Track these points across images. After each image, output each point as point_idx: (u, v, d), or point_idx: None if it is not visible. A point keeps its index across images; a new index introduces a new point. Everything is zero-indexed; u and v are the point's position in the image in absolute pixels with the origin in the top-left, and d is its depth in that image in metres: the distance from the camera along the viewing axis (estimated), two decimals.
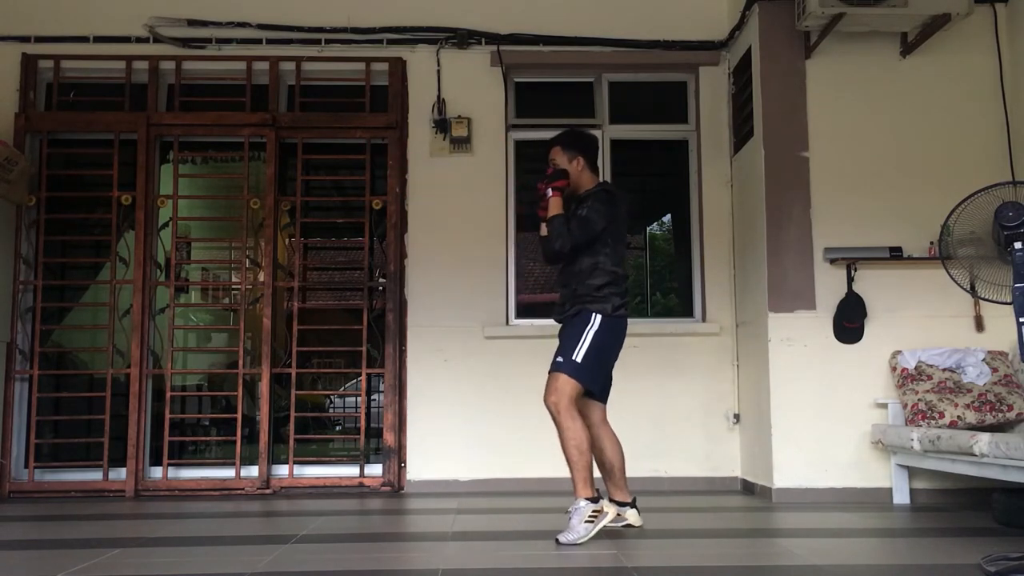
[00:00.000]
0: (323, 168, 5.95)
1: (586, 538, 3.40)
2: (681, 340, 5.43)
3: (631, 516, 3.81)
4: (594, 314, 3.62)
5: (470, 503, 4.71)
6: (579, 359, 3.58)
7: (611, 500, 3.82)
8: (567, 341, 3.64)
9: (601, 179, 3.94)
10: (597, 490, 3.54)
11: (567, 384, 3.56)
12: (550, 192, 3.72)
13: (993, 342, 4.78)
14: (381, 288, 5.55)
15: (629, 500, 3.84)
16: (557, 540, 3.40)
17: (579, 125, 5.65)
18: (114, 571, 3.00)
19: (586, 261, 3.68)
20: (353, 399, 6.37)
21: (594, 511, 3.46)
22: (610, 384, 3.84)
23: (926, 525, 4.01)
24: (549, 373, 3.62)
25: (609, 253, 3.68)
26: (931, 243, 4.70)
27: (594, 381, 3.67)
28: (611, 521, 3.64)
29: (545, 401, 3.60)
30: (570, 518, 3.45)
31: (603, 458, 3.80)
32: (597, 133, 5.68)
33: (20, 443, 5.30)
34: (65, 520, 4.35)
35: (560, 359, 3.61)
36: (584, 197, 3.75)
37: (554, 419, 3.58)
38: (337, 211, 6.07)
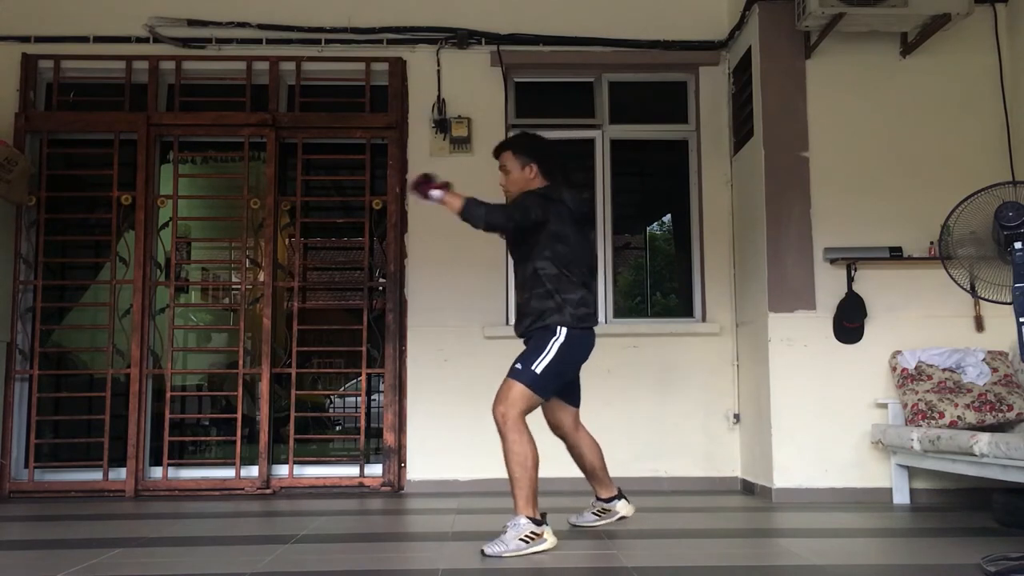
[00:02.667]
0: (323, 168, 5.96)
1: (514, 554, 3.17)
2: (681, 340, 5.42)
3: (622, 508, 3.79)
4: (559, 327, 3.45)
5: (470, 503, 4.71)
6: (539, 370, 3.40)
7: (598, 498, 3.81)
8: (531, 350, 3.47)
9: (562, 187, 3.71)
10: (543, 514, 3.34)
11: (521, 396, 3.38)
12: (438, 194, 3.49)
13: (993, 342, 4.78)
14: (381, 288, 5.55)
15: (615, 493, 3.81)
16: (482, 550, 3.19)
17: (579, 125, 5.69)
18: (114, 571, 3.00)
19: (528, 267, 3.54)
20: (353, 399, 6.38)
21: (533, 532, 3.24)
22: (578, 388, 3.77)
23: (926, 525, 4.01)
24: (505, 379, 3.45)
25: (550, 257, 3.49)
26: (931, 243, 4.70)
27: (548, 393, 3.50)
28: (602, 519, 3.66)
29: (493, 410, 3.40)
30: (506, 531, 3.24)
31: (584, 463, 3.77)
32: (597, 133, 5.69)
33: (20, 443, 5.30)
34: (65, 520, 4.35)
35: (519, 366, 3.43)
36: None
37: (500, 430, 3.38)
38: (337, 211, 6.08)
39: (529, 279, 3.54)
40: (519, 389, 3.40)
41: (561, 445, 3.79)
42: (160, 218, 5.55)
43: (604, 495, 3.82)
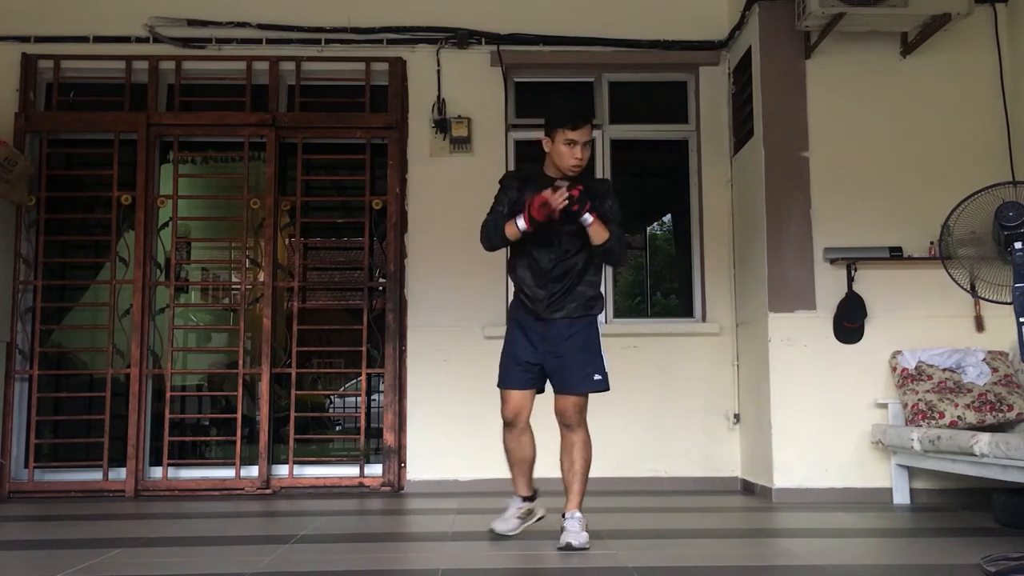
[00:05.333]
0: (323, 168, 5.96)
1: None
2: (681, 340, 5.42)
3: (540, 508, 3.68)
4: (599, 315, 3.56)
5: (470, 503, 4.71)
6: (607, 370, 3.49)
7: (525, 498, 3.63)
8: (593, 350, 3.51)
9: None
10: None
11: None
12: (590, 219, 3.36)
13: (993, 342, 4.78)
14: (381, 288, 5.55)
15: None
16: (571, 543, 3.29)
17: None
18: (114, 571, 3.00)
19: (583, 256, 3.50)
20: (353, 399, 6.38)
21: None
22: (545, 376, 3.53)
23: (926, 525, 4.01)
24: (581, 393, 3.50)
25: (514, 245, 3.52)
26: (931, 243, 4.69)
27: (500, 379, 3.53)
28: (526, 522, 3.57)
29: (578, 427, 3.48)
30: (574, 527, 3.37)
31: (533, 452, 3.62)
32: (597, 133, 5.68)
33: (20, 443, 5.29)
34: (65, 520, 4.35)
35: (599, 377, 3.50)
36: (604, 191, 3.55)
37: (582, 435, 3.49)
38: (337, 211, 6.08)
39: (583, 267, 3.47)
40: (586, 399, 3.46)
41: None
42: (160, 218, 5.55)
43: (530, 492, 3.64)
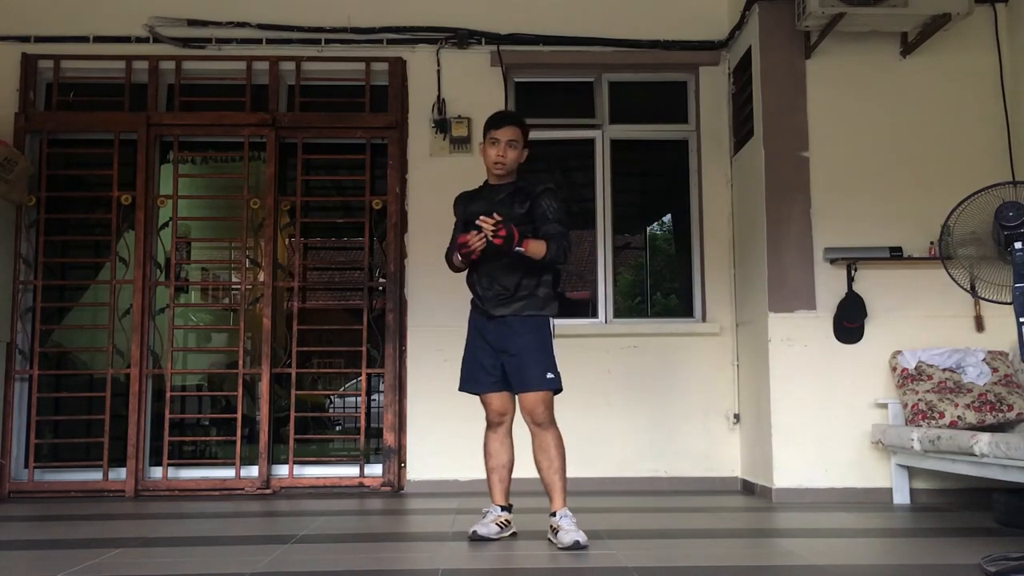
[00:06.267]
0: (323, 168, 5.95)
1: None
2: (681, 340, 5.42)
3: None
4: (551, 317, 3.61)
5: (470, 503, 4.70)
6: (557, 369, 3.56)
7: (504, 506, 3.66)
8: (541, 350, 3.57)
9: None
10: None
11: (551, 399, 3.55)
12: (521, 250, 3.40)
13: (993, 342, 4.78)
14: (381, 288, 5.55)
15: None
16: (578, 542, 3.30)
17: (579, 125, 5.69)
18: (114, 571, 3.00)
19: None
20: (353, 399, 6.37)
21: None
22: (507, 376, 3.55)
23: (926, 525, 4.01)
24: (533, 391, 3.51)
25: None
26: (931, 243, 4.70)
27: (462, 380, 3.63)
28: (505, 531, 3.57)
29: (542, 424, 3.52)
30: (562, 526, 3.40)
31: (511, 457, 3.67)
32: (597, 133, 5.69)
33: (20, 443, 5.30)
34: (65, 520, 4.35)
35: (552, 376, 3.55)
36: (538, 192, 3.58)
37: (546, 436, 3.53)
38: (337, 211, 6.08)
39: (530, 265, 3.51)
40: (550, 397, 3.52)
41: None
42: (160, 218, 5.55)
43: (507, 503, 3.67)
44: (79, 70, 5.60)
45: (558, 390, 3.54)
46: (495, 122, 3.61)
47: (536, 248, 3.44)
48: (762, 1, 4.99)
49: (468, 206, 3.66)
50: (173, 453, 5.50)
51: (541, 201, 3.56)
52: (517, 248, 3.39)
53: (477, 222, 3.36)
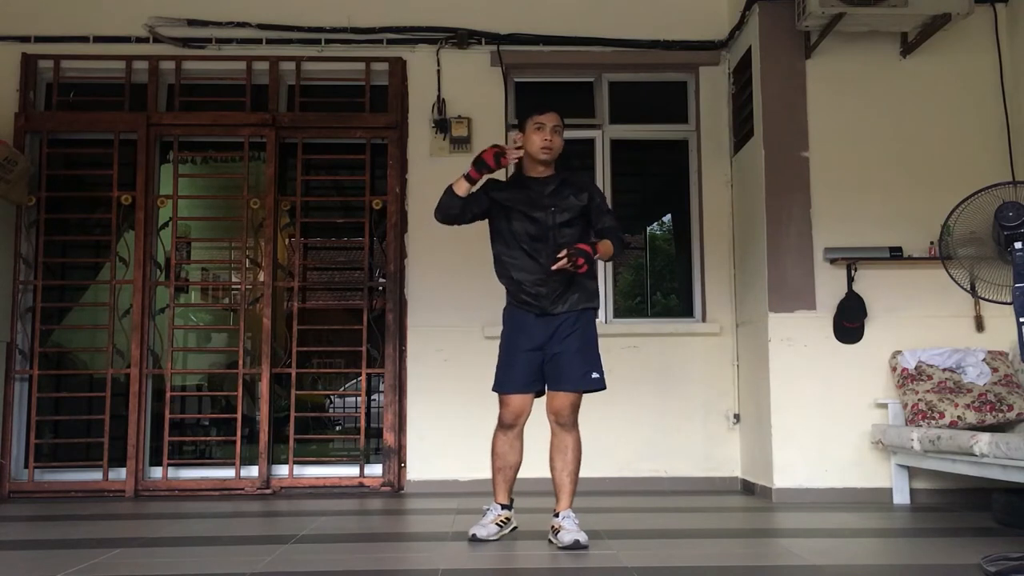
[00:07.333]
0: (323, 168, 5.96)
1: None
2: (681, 340, 5.42)
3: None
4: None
5: (470, 503, 4.69)
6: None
7: (505, 505, 3.63)
8: (592, 347, 3.57)
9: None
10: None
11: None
12: (601, 256, 3.47)
13: (993, 342, 4.78)
14: (381, 288, 5.55)
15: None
16: (579, 541, 3.30)
17: (579, 125, 5.69)
18: (114, 571, 3.00)
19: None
20: (353, 399, 6.37)
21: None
22: (544, 377, 3.54)
23: (926, 525, 4.01)
24: (576, 392, 3.53)
25: (497, 244, 3.68)
26: (931, 243, 4.69)
27: (500, 383, 3.56)
28: (504, 529, 3.55)
29: (571, 428, 3.54)
30: (564, 526, 3.42)
31: (520, 458, 3.64)
32: (597, 133, 5.70)
33: (20, 443, 5.30)
34: (65, 520, 4.35)
35: (597, 375, 3.54)
36: (593, 185, 3.68)
37: (574, 437, 3.54)
38: (337, 211, 6.08)
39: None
40: (580, 399, 3.51)
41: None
42: (160, 218, 5.55)
43: (509, 501, 3.65)
44: (79, 70, 5.60)
45: (601, 389, 3.52)
46: (540, 108, 3.56)
47: (605, 249, 3.48)
48: (762, 1, 4.99)
49: (503, 191, 3.63)
50: (173, 453, 5.50)
51: (597, 195, 3.60)
52: (596, 257, 3.42)
53: (554, 268, 3.35)
